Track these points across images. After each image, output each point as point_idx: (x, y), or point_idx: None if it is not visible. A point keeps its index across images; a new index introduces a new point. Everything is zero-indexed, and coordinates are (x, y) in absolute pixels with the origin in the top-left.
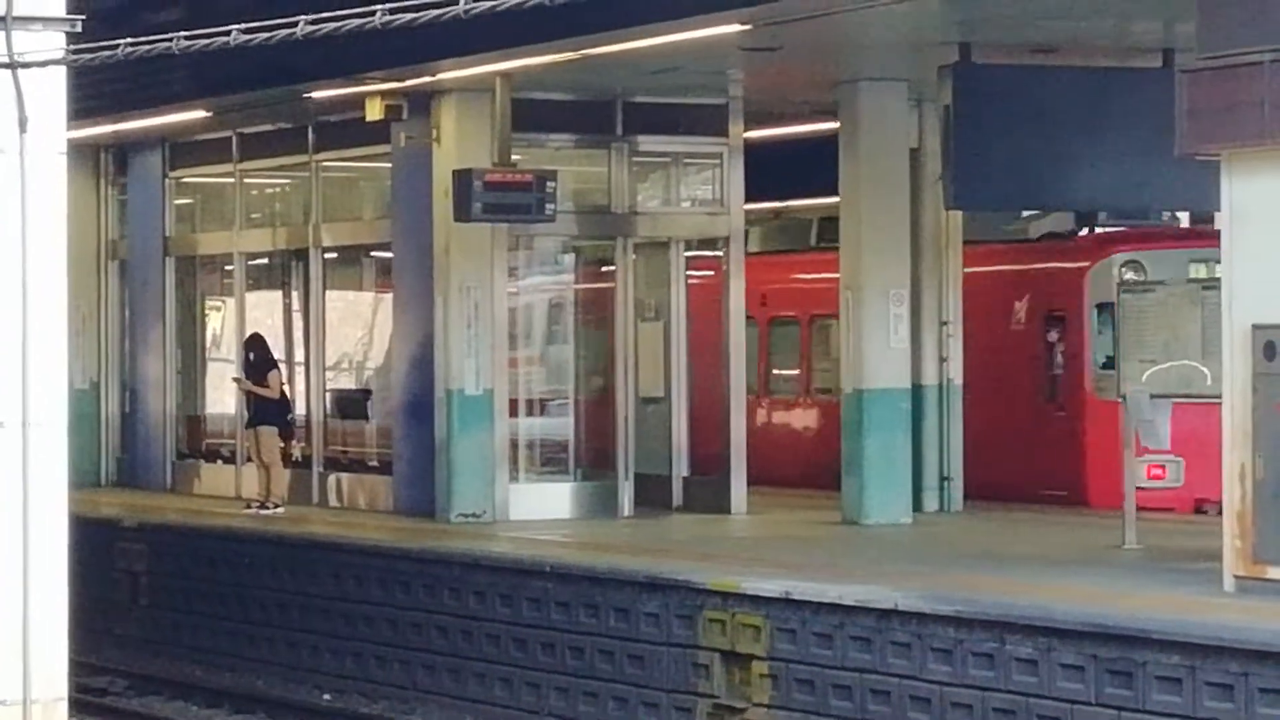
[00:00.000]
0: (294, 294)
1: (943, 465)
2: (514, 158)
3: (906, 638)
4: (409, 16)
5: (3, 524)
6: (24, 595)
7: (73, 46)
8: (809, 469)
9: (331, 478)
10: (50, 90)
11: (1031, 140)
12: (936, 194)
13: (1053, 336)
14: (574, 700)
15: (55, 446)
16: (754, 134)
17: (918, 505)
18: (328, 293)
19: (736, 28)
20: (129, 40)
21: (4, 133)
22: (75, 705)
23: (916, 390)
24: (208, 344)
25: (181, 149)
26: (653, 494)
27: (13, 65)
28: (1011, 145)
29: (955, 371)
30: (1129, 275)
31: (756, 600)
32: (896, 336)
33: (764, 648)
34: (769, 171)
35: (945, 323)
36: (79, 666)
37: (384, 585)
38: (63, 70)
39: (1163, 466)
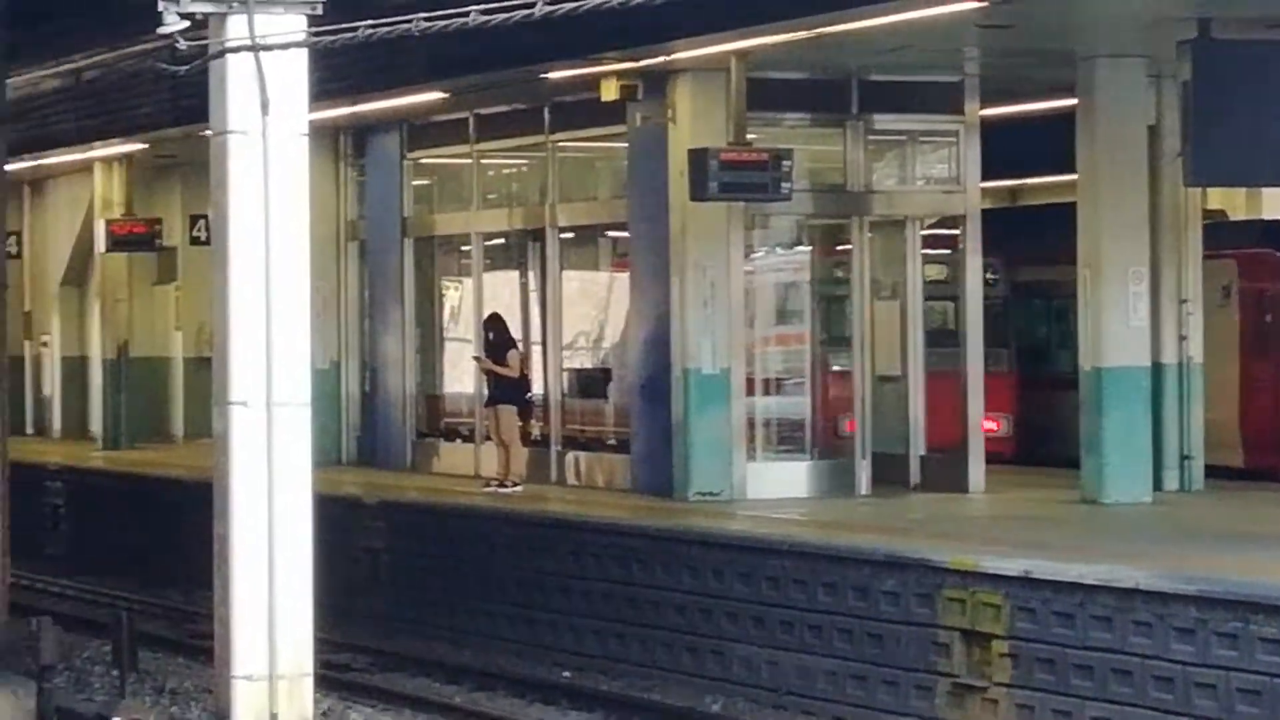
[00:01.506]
0: (530, 274)
1: (1183, 444)
2: (749, 136)
3: (1148, 617)
4: None
5: (249, 502)
6: (270, 573)
7: (313, 29)
8: None
9: (569, 456)
10: (292, 72)
11: (1272, 116)
12: (1175, 171)
13: None
14: (812, 679)
15: (299, 426)
16: (990, 111)
17: (1158, 484)
18: (564, 272)
19: (973, 5)
20: (369, 22)
21: (247, 115)
22: (319, 681)
23: (1156, 369)
24: (445, 324)
25: (419, 130)
26: (890, 472)
27: (255, 48)
28: (1252, 121)
29: (1195, 350)
30: None
31: (996, 579)
32: (1135, 315)
33: (1004, 627)
34: (1006, 149)
35: (1184, 301)
36: (322, 643)
37: (622, 563)
38: (304, 53)
39: None
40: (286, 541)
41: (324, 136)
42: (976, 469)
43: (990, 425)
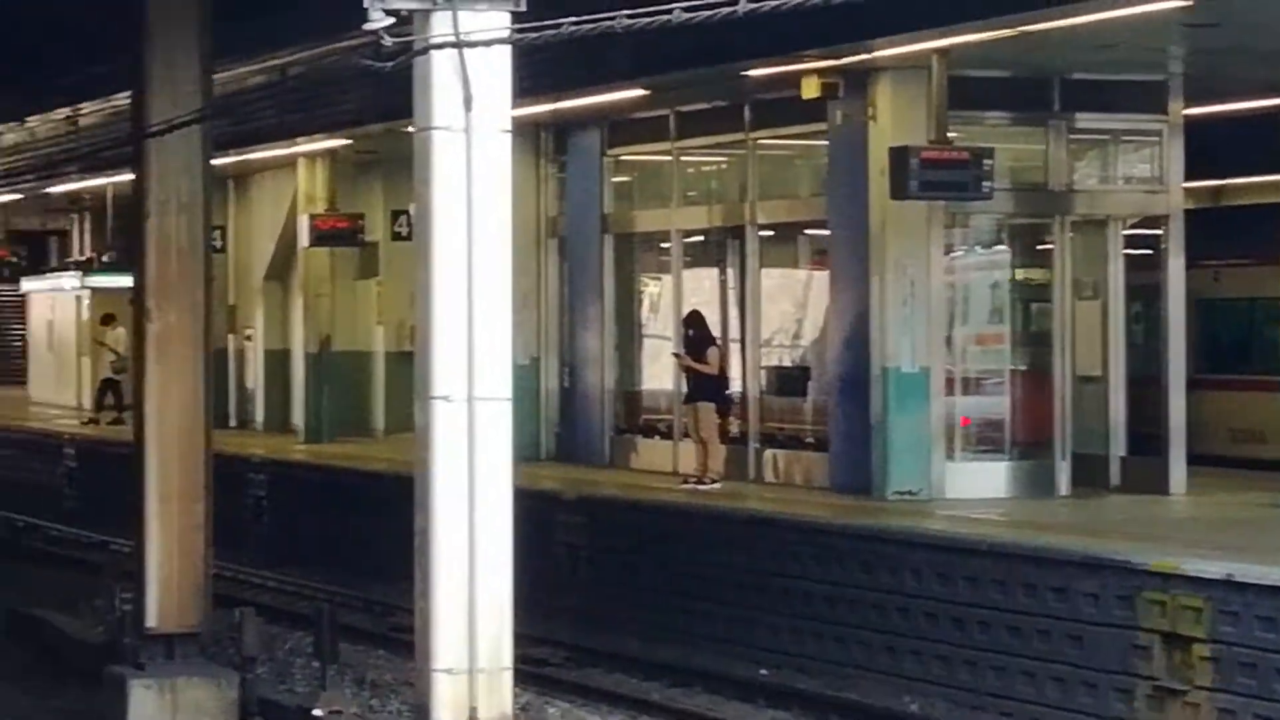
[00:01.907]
0: (729, 271)
1: None
2: (950, 135)
3: None
4: None
5: (450, 496)
6: (470, 567)
7: (516, 26)
8: None
9: (767, 453)
10: (495, 69)
11: None
12: None
13: None
14: (1010, 680)
15: (500, 421)
16: (1195, 110)
17: None
18: (763, 270)
19: (1178, 3)
20: (572, 19)
21: (450, 111)
22: (517, 676)
23: None
24: (644, 320)
25: (620, 127)
26: (1089, 474)
27: (458, 44)
28: None
29: None
30: None
31: (1197, 582)
32: None
33: (1205, 630)
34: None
35: None
36: (520, 638)
37: (820, 561)
38: (507, 49)
39: None
40: (487, 536)
41: (525, 133)
42: (1178, 470)
43: None
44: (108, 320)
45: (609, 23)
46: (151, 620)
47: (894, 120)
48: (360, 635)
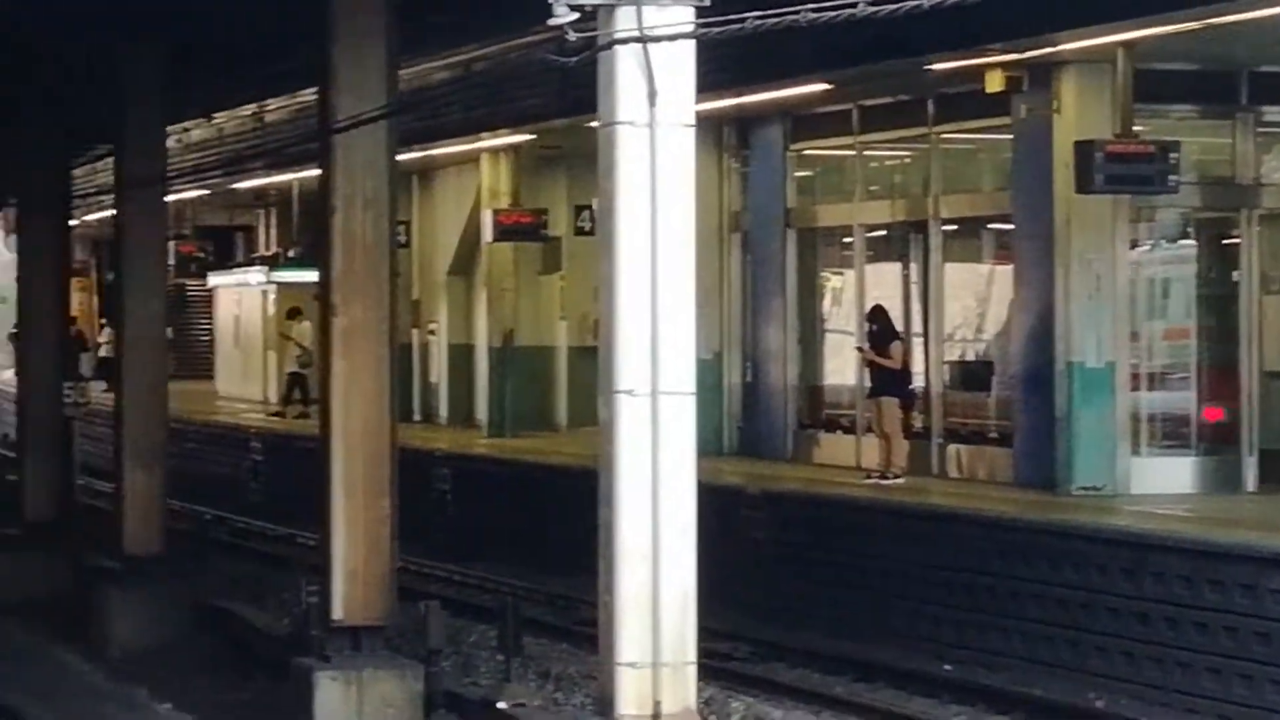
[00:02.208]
0: (912, 265)
1: None
2: (1135, 128)
3: None
4: None
5: (633, 490)
6: (654, 560)
7: (700, 20)
8: None
9: (950, 449)
10: (679, 64)
11: None
12: None
13: None
14: (1197, 676)
15: (684, 415)
16: None
17: None
18: (946, 264)
19: None
20: (756, 14)
21: (634, 105)
22: (701, 670)
23: None
24: (826, 315)
25: (803, 121)
26: (1277, 470)
27: (643, 39)
28: None
29: None
30: None
31: None
32: None
33: None
34: None
35: None
36: (703, 632)
37: (1004, 557)
38: (691, 44)
39: None
40: (670, 530)
41: (708, 128)
42: None
43: None
44: (293, 314)
45: (793, 17)
46: (337, 613)
47: (1079, 114)
48: (544, 629)
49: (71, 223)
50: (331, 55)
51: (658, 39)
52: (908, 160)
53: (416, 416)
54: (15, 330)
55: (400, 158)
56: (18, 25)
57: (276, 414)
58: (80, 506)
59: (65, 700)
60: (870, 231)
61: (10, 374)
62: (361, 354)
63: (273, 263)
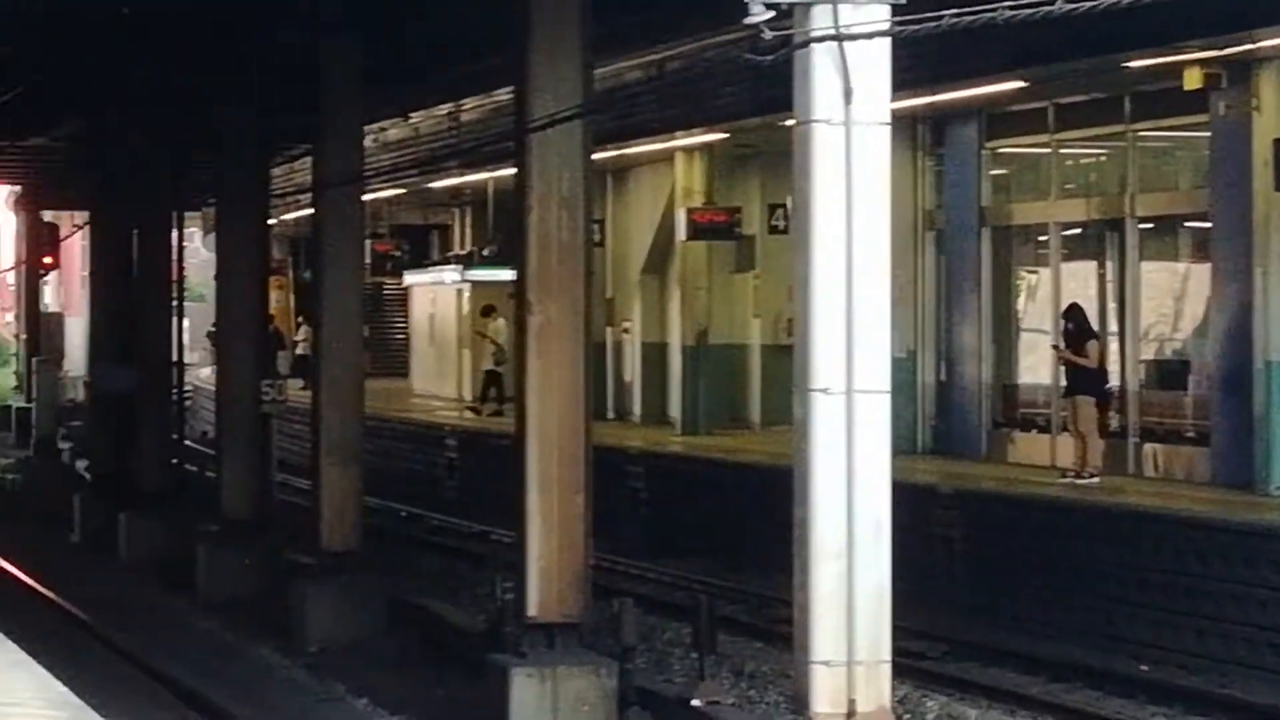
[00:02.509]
0: (1108, 264)
1: None
2: None
3: None
4: None
5: (828, 488)
6: (849, 559)
7: (896, 19)
8: None
9: (1146, 448)
10: (874, 62)
11: None
12: None
13: None
14: None
15: (879, 413)
16: None
17: None
18: (1142, 263)
19: None
20: (952, 12)
21: (830, 104)
22: (894, 668)
23: None
24: (1021, 313)
25: (997, 119)
26: None
27: (839, 38)
28: None
29: None
30: None
31: None
32: None
33: None
34: None
35: None
36: (896, 630)
37: (1201, 558)
38: (886, 42)
39: None
40: (865, 528)
41: (902, 125)
42: None
43: None
44: (488, 312)
45: (990, 14)
46: (532, 610)
47: (1279, 111)
48: (738, 626)
49: (269, 222)
50: (528, 55)
51: (853, 37)
52: (1104, 158)
53: (610, 414)
54: (214, 328)
55: (594, 156)
56: (219, 24)
57: (471, 409)
58: (278, 503)
59: (265, 694)
60: (1066, 230)
61: (209, 371)
62: (557, 352)
63: (468, 261)
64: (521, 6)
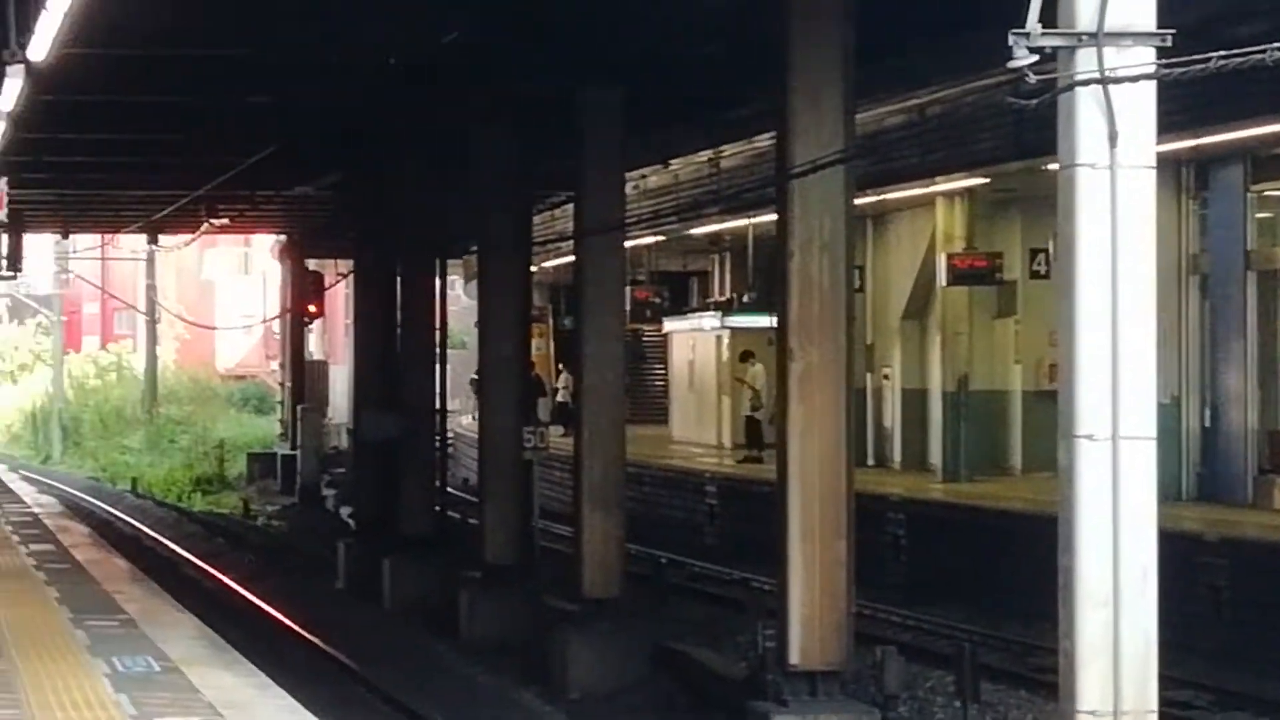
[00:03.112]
0: None
1: None
2: None
3: None
4: None
5: (1093, 536)
6: (1115, 606)
7: (1161, 61)
8: None
9: None
10: (1139, 105)
11: None
12: None
13: None
14: None
15: (1145, 460)
16: None
17: None
18: None
19: None
20: (1221, 54)
21: (1094, 148)
22: (1161, 718)
23: None
24: None
25: (1264, 162)
26: None
27: (1104, 81)
28: None
29: None
30: None
31: None
32: None
33: None
34: None
35: None
36: (1163, 679)
37: None
38: (1152, 85)
39: None
40: (1131, 575)
41: (1166, 169)
42: None
43: None
44: (746, 357)
45: (1258, 56)
46: (794, 657)
47: None
48: (1000, 675)
49: (530, 269)
50: (789, 102)
51: (1119, 80)
52: None
53: (870, 461)
54: (476, 375)
55: (855, 202)
56: (477, 72)
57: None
58: (539, 550)
59: None
60: None
61: (470, 419)
62: (818, 398)
63: (726, 308)
64: (782, 53)
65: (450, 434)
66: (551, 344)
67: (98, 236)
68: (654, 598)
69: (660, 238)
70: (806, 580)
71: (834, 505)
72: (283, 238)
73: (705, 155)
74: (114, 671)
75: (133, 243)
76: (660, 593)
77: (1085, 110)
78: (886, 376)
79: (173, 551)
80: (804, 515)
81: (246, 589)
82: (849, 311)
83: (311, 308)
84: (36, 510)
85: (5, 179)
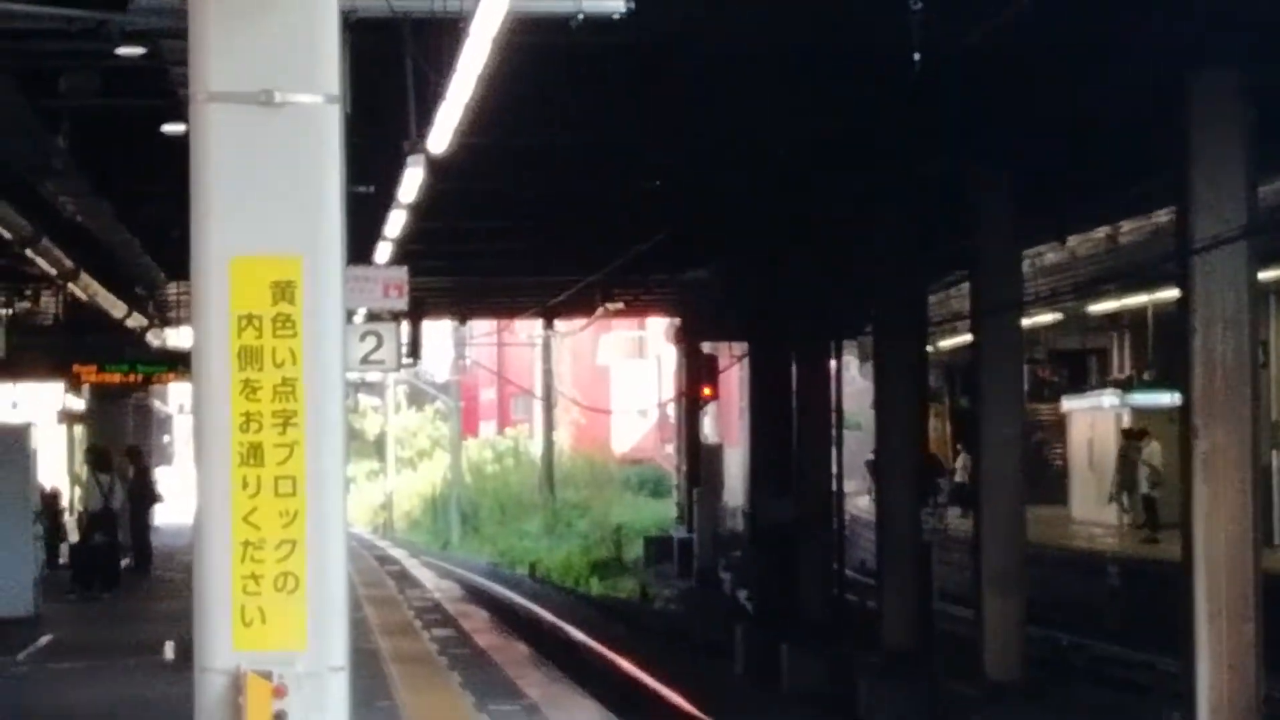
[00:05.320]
0: None
1: None
2: None
3: None
4: None
5: None
6: None
7: None
8: None
9: None
10: None
11: None
12: None
13: None
14: None
15: None
16: None
17: None
18: None
19: None
20: None
21: None
22: None
23: None
24: None
25: None
26: None
27: None
28: None
29: None
30: None
31: None
32: None
33: None
34: None
35: None
36: None
37: None
38: None
39: None
40: None
41: None
42: None
43: None
44: (1131, 435)
45: None
46: None
47: None
48: None
49: (926, 349)
50: (1189, 177)
51: None
52: None
53: (1277, 540)
54: (872, 457)
55: (1260, 276)
56: (864, 155)
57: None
58: (938, 633)
59: None
60: None
61: (866, 501)
62: (1223, 477)
63: (1126, 385)
64: (1182, 129)
65: (847, 516)
66: (948, 424)
67: (493, 322)
68: (1056, 681)
69: (1058, 315)
70: (1214, 662)
71: (1242, 586)
72: (676, 321)
73: (1103, 231)
74: None
75: (528, 328)
76: (1062, 675)
77: None
78: None
79: (570, 636)
80: (1210, 595)
81: (646, 672)
82: (1254, 388)
83: (706, 391)
84: (437, 595)
85: (406, 268)
